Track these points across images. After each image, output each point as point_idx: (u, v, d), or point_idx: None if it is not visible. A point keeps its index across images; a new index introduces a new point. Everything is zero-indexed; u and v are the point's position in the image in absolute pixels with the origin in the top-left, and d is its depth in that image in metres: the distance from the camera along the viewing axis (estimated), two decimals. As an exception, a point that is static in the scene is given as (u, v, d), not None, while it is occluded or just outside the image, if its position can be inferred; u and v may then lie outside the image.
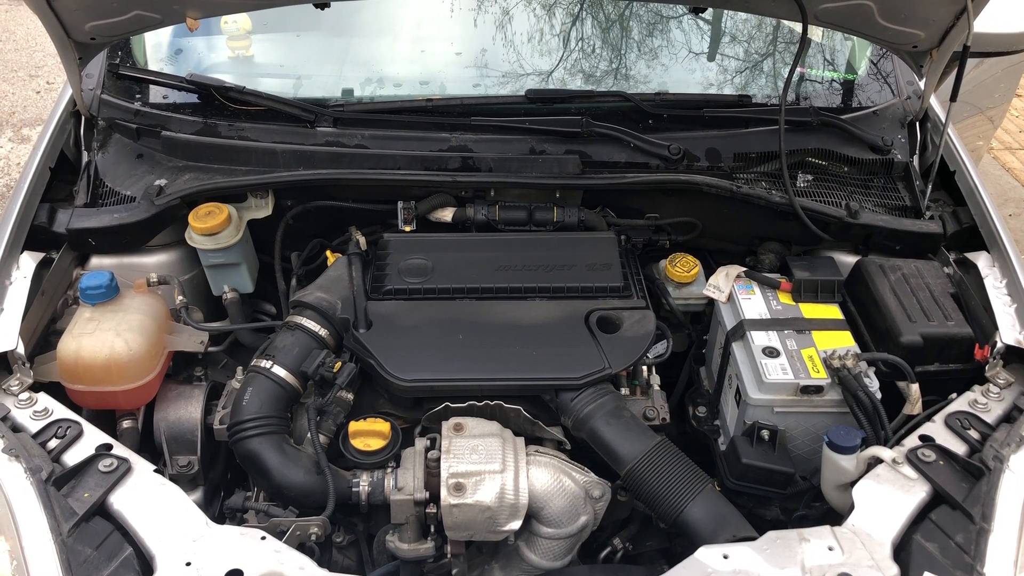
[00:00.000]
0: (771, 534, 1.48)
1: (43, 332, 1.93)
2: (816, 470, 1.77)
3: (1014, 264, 1.98)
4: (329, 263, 2.15)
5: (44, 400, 1.70)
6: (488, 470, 1.65)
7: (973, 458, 1.58)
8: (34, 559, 1.36)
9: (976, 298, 1.98)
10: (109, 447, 1.60)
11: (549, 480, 1.69)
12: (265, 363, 1.82)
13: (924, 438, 1.65)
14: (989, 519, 1.44)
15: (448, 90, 2.45)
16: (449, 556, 1.73)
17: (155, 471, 1.56)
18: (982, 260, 2.05)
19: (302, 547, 1.62)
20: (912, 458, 1.58)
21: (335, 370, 1.81)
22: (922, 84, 2.40)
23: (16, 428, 1.62)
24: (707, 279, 2.17)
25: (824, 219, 2.16)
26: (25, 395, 1.70)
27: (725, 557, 1.43)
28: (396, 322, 1.92)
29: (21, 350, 1.75)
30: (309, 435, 1.76)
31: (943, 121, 2.25)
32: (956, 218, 2.20)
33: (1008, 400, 1.75)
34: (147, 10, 2.01)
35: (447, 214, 2.24)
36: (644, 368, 2.01)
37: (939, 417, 1.70)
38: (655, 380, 2.00)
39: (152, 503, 1.50)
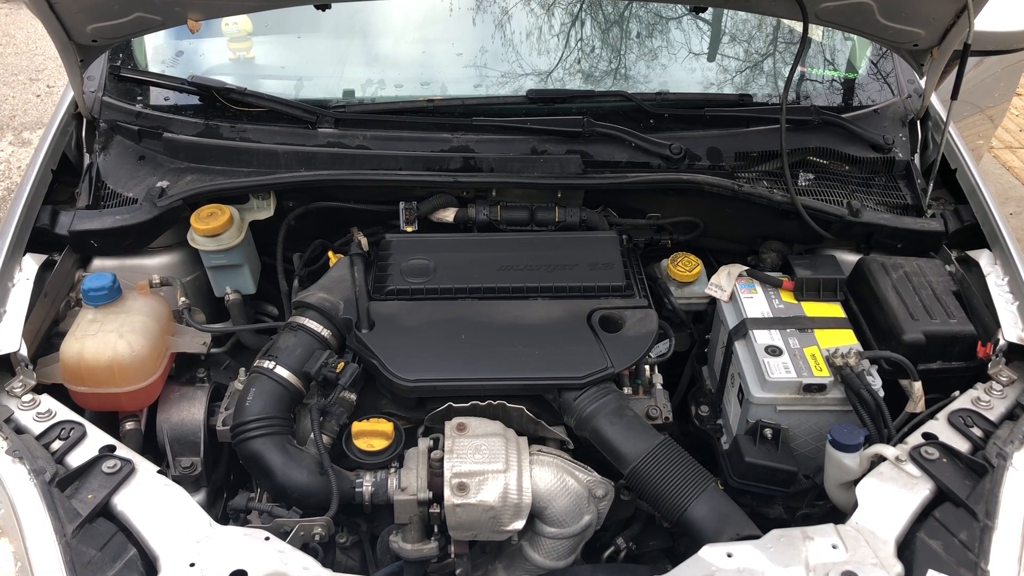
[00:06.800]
0: (775, 532, 1.48)
1: (46, 334, 1.93)
2: (819, 468, 1.77)
3: (1016, 262, 1.98)
4: (331, 264, 2.15)
5: (47, 402, 1.70)
6: (491, 470, 1.65)
7: (976, 455, 1.58)
8: (38, 560, 1.36)
9: (978, 296, 1.98)
10: (112, 448, 1.60)
11: (552, 480, 1.69)
12: (268, 364, 1.82)
13: (927, 436, 1.65)
14: (993, 516, 1.44)
15: (449, 91, 2.45)
16: (453, 556, 1.73)
17: (158, 472, 1.56)
18: (984, 258, 2.05)
19: (306, 547, 1.62)
20: (915, 456, 1.58)
21: (338, 370, 1.81)
22: (923, 83, 2.40)
23: (19, 430, 1.62)
24: (709, 278, 2.18)
25: (826, 218, 2.16)
26: (28, 397, 1.70)
27: (729, 556, 1.43)
28: (398, 322, 1.92)
29: (24, 352, 1.75)
30: (312, 436, 1.76)
31: (944, 119, 2.25)
32: (958, 216, 2.20)
33: (1011, 397, 1.75)
34: (149, 12, 2.01)
35: (449, 214, 2.24)
36: (647, 367, 2.01)
37: (942, 415, 1.70)
38: (658, 379, 2.00)
39: (156, 504, 1.50)
